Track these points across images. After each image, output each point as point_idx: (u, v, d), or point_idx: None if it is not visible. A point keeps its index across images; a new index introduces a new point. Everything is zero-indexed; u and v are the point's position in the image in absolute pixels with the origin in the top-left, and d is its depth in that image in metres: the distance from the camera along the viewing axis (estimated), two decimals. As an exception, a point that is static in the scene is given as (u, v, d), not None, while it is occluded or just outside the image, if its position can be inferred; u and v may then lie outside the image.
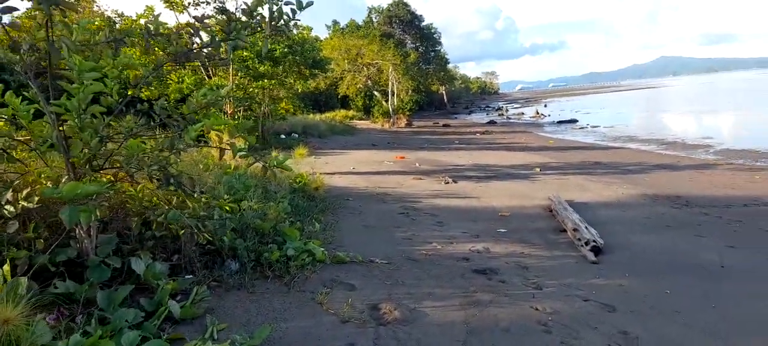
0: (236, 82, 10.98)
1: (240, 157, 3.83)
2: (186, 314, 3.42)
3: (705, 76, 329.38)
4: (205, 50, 3.82)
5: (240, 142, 4.15)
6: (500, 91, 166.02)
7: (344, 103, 46.75)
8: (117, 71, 3.74)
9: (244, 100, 10.84)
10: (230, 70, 10.99)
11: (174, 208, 3.76)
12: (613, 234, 7.16)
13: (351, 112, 43.65)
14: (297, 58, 18.04)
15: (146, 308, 3.40)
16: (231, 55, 4.40)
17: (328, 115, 39.21)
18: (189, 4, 10.85)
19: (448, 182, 11.86)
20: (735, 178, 13.14)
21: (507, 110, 60.62)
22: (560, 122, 38.49)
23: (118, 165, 3.66)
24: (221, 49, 4.17)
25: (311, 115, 36.23)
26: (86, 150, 3.43)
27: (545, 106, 69.04)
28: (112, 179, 3.75)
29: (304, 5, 3.85)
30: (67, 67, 3.28)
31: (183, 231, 3.76)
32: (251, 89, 10.82)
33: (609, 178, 13.11)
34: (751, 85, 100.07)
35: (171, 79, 9.91)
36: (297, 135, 24.66)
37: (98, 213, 3.08)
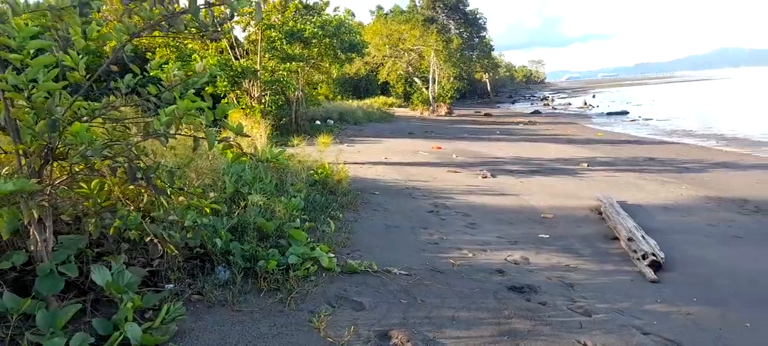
0: (263, 63, 10.40)
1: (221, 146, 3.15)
2: (147, 342, 2.79)
3: (766, 68, 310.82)
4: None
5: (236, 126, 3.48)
6: (546, 81, 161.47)
7: (384, 89, 45.96)
8: (83, 42, 3.12)
9: (272, 83, 10.24)
10: (259, 51, 10.42)
11: (140, 210, 3.13)
12: (674, 245, 6.19)
13: (390, 99, 42.83)
14: (333, 41, 17.39)
15: (99, 330, 2.79)
16: (226, 27, 3.70)
17: (367, 101, 38.53)
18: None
19: (485, 177, 10.98)
20: (812, 180, 11.73)
21: (553, 100, 58.48)
22: (610, 114, 36.60)
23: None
24: (205, 16, 3.50)
25: (349, 101, 35.68)
26: (38, 137, 2.82)
27: (594, 96, 66.33)
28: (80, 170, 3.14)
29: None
30: (5, 34, 2.66)
31: (149, 238, 3.13)
32: (279, 72, 10.21)
33: (665, 176, 11.93)
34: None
35: (194, 59, 9.41)
36: (332, 121, 24.12)
37: (34, 214, 2.47)
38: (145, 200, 3.38)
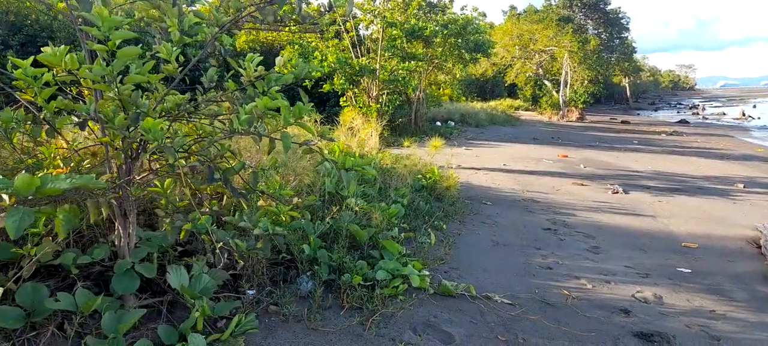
0: (382, 62, 10.24)
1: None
2: (212, 355, 2.60)
3: None
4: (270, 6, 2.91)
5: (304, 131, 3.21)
6: (697, 87, 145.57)
7: (512, 91, 44.32)
8: (179, 34, 3.03)
9: (390, 82, 10.05)
10: (379, 49, 10.30)
11: (215, 212, 2.97)
12: None
13: (517, 102, 41.15)
14: (458, 40, 16.89)
15: (163, 339, 2.66)
16: (327, 19, 3.44)
17: (493, 103, 37.40)
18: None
19: (616, 192, 9.82)
20: None
21: (703, 109, 52.29)
22: (774, 127, 31.77)
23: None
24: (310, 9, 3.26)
25: (473, 103, 34.86)
26: (119, 131, 2.75)
27: (754, 106, 58.21)
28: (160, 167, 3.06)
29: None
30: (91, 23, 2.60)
31: (220, 244, 2.95)
32: (398, 71, 9.99)
33: None
34: None
35: (316, 56, 9.51)
36: (453, 123, 23.59)
37: (103, 212, 2.37)
38: (224, 203, 3.23)
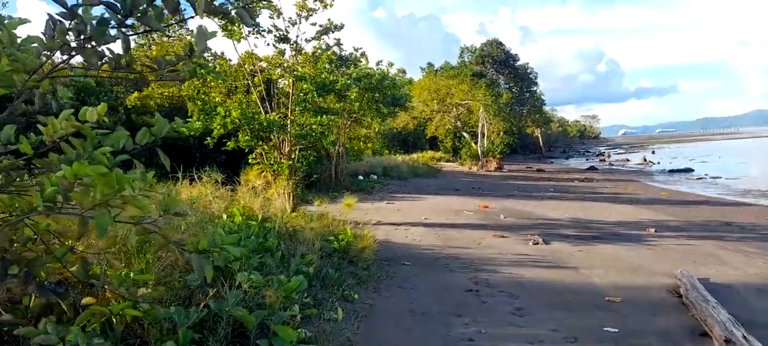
0: (293, 117, 9.68)
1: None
2: None
3: None
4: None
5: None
6: (601, 136, 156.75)
7: (433, 143, 45.19)
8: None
9: (302, 137, 9.48)
10: (290, 103, 9.76)
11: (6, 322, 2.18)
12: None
13: (439, 153, 41.92)
14: (375, 94, 16.75)
15: None
16: (188, 67, 2.81)
17: (415, 155, 37.73)
18: (249, 33, 9.82)
19: (536, 243, 9.64)
20: None
21: (609, 156, 55.88)
22: (672, 171, 34.17)
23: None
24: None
25: (397, 156, 34.97)
26: None
27: (653, 152, 63.05)
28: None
29: None
30: None
31: None
32: (310, 126, 9.47)
33: (750, 246, 10.21)
34: None
35: (218, 112, 8.80)
36: (376, 176, 23.32)
37: None
38: (33, 302, 2.44)
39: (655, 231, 11.66)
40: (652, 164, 42.29)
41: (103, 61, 2.20)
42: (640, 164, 43.19)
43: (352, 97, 15.18)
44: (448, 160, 40.07)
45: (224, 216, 6.19)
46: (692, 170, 33.97)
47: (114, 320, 2.70)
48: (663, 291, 6.66)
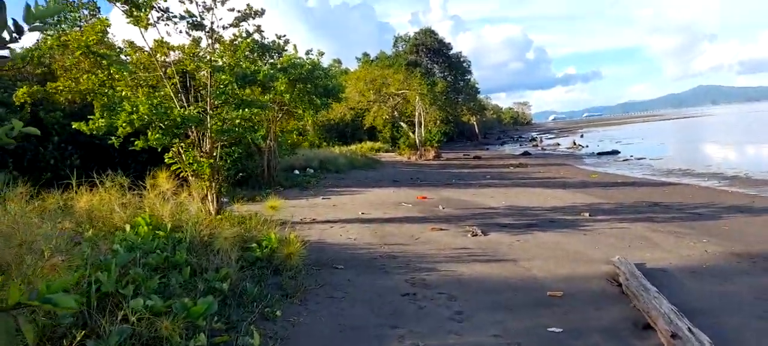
0: (211, 111, 8.87)
1: None
2: None
3: (745, 105, 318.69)
4: None
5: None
6: (533, 122, 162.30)
7: (372, 134, 44.80)
8: None
9: (225, 132, 8.69)
10: (208, 97, 8.94)
11: None
12: (728, 336, 4.62)
13: (378, 144, 41.57)
14: (306, 85, 16.01)
15: None
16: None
17: (353, 147, 37.18)
18: (158, 19, 8.88)
19: (476, 235, 9.38)
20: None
21: (541, 141, 57.61)
22: (600, 154, 35.51)
23: None
24: None
25: (335, 148, 34.29)
26: None
27: (582, 136, 65.71)
28: None
29: None
30: None
31: None
32: (232, 120, 8.69)
33: (678, 226, 10.43)
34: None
35: (124, 108, 7.85)
36: (312, 170, 22.59)
37: None
38: None
39: (589, 215, 11.74)
40: (581, 148, 43.84)
41: None
42: (570, 148, 44.67)
43: (282, 88, 14.41)
44: (387, 151, 39.81)
45: (127, 228, 5.42)
46: (618, 152, 35.42)
47: None
48: (603, 280, 6.51)
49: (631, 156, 32.20)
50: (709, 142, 43.44)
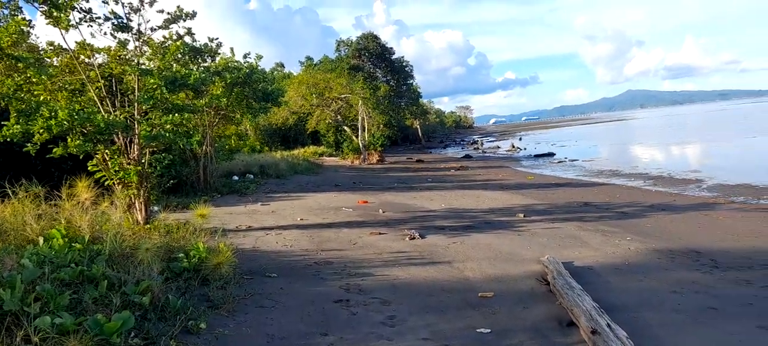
0: (140, 117, 8.49)
1: None
2: None
3: (671, 108, 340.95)
4: None
5: None
6: (475, 125, 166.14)
7: (315, 138, 44.39)
8: None
9: (154, 138, 8.33)
10: (135, 101, 8.55)
11: None
12: (644, 330, 4.87)
13: (321, 148, 41.27)
14: (244, 89, 15.68)
15: None
16: None
17: (296, 151, 36.73)
18: (80, 21, 8.41)
19: (413, 238, 9.45)
20: (751, 222, 11.11)
21: (482, 144, 59.08)
22: (537, 156, 36.80)
23: None
24: None
25: (276, 152, 33.73)
26: None
27: (520, 139, 67.92)
28: None
29: None
30: None
31: None
32: (161, 125, 8.35)
33: (606, 225, 10.94)
34: (716, 115, 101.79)
35: (41, 113, 7.37)
36: (252, 176, 22.11)
37: None
38: None
39: (524, 216, 12.10)
40: (519, 150, 45.28)
41: None
42: (509, 151, 46.05)
43: (218, 92, 14.03)
44: (330, 155, 39.62)
45: (41, 240, 5.09)
46: (554, 154, 36.82)
47: None
48: (532, 280, 6.71)
49: (566, 158, 33.55)
50: (636, 144, 45.87)
